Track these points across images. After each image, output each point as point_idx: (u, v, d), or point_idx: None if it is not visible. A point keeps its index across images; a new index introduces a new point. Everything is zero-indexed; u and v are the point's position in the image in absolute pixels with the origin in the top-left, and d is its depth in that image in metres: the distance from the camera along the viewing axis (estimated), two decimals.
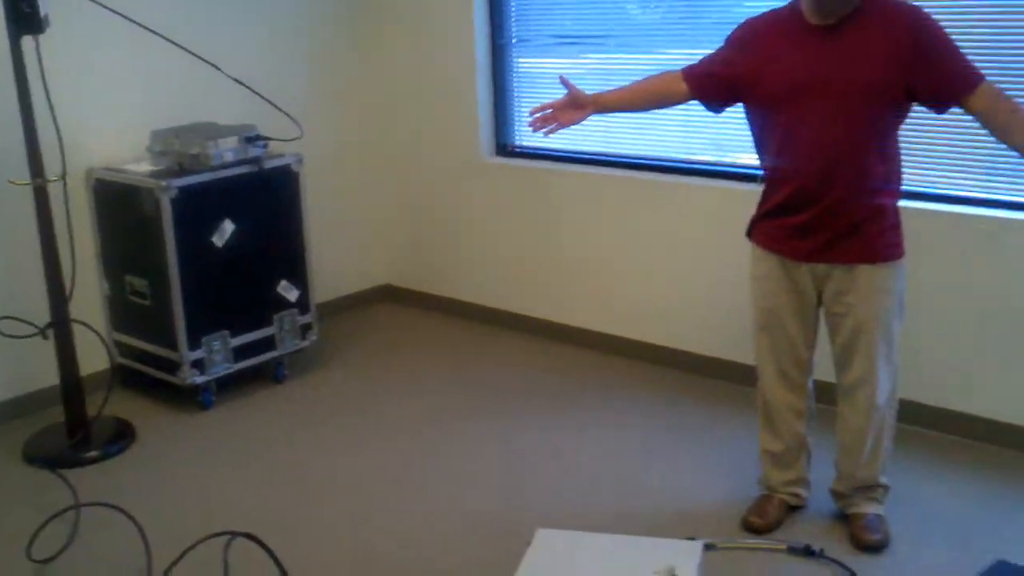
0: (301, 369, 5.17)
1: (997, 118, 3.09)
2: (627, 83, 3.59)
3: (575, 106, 3.48)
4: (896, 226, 3.31)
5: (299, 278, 5.04)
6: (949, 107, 3.22)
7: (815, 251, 3.30)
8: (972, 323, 4.09)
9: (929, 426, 4.25)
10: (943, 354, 4.18)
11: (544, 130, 3.50)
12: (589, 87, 3.52)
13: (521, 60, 5.45)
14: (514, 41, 5.44)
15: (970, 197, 4.10)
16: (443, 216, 5.86)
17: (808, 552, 3.43)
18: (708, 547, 3.42)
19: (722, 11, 4.55)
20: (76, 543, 3.61)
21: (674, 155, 4.90)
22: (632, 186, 4.97)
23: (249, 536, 3.30)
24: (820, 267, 3.33)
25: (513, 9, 5.40)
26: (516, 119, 5.55)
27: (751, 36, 3.35)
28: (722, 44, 3.43)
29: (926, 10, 3.19)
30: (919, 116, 3.44)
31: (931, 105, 3.22)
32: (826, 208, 3.23)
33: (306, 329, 5.11)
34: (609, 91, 3.57)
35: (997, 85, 3.13)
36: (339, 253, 5.88)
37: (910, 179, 4.05)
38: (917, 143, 4.09)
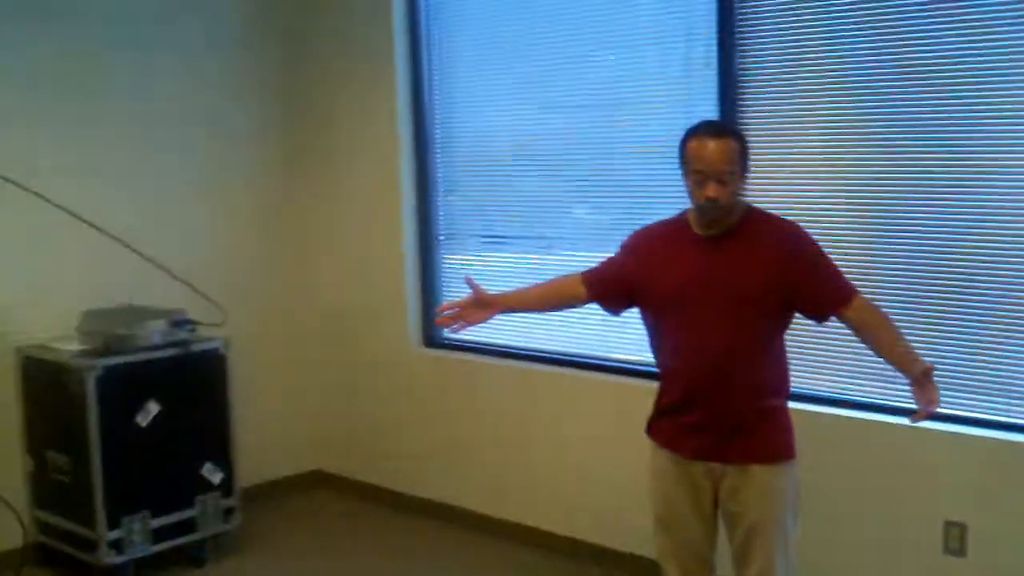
0: (223, 553, 5.16)
1: (869, 331, 3.31)
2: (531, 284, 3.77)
3: (480, 305, 3.63)
4: (787, 427, 3.42)
5: (224, 460, 5.09)
6: (827, 318, 3.39)
7: (708, 449, 3.38)
8: (866, 523, 4.17)
9: None
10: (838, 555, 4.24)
11: (451, 328, 3.64)
12: (513, 284, 3.68)
13: (448, 256, 5.66)
14: (441, 238, 5.66)
15: (863, 402, 4.23)
16: (372, 402, 5.94)
17: None
18: None
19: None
20: None
21: (594, 352, 5.03)
22: (555, 380, 5.09)
23: None
24: (715, 465, 3.40)
25: (441, 209, 5.65)
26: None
27: (643, 244, 3.54)
28: (617, 250, 3.61)
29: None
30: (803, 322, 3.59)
31: (809, 315, 3.40)
32: (715, 409, 3.34)
33: (229, 512, 5.13)
34: (512, 292, 3.77)
35: (868, 299, 3.34)
36: (268, 436, 5.92)
37: (803, 382, 4.23)
38: (810, 347, 4.26)
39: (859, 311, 3.31)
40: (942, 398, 3.31)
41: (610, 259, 3.63)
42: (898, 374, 3.35)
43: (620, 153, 4.86)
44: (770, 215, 3.45)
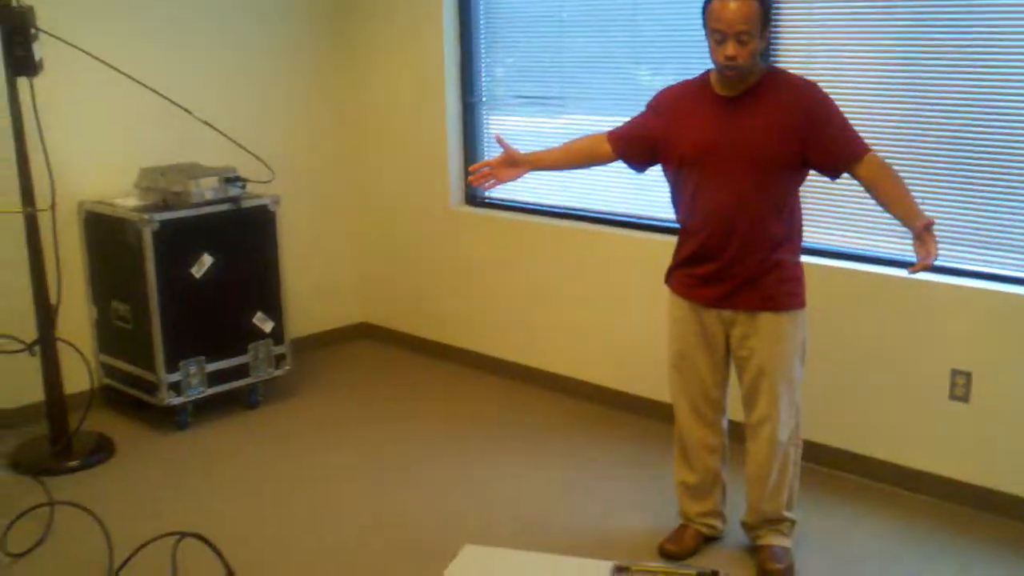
0: (274, 396, 5.51)
1: (879, 186, 3.45)
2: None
3: (511, 164, 3.83)
4: (796, 279, 3.62)
5: (274, 311, 5.38)
6: (840, 174, 3.56)
7: (720, 298, 3.62)
8: (876, 372, 4.41)
9: (850, 471, 4.54)
10: (849, 402, 4.50)
11: (483, 186, 3.85)
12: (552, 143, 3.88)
13: (492, 118, 5.83)
14: (484, 99, 5.83)
15: (879, 256, 4.42)
16: (416, 258, 6.21)
17: None
18: (620, 569, 3.71)
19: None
20: (48, 541, 3.95)
21: (630, 210, 5.22)
22: (589, 237, 5.32)
23: (197, 536, 3.63)
24: (726, 313, 3.64)
25: (483, 70, 5.79)
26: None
27: (666, 103, 3.70)
28: (642, 109, 3.79)
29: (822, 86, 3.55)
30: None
31: (823, 171, 3.56)
32: (728, 261, 3.55)
33: (280, 359, 5.45)
34: (541, 151, 3.93)
35: (881, 156, 3.50)
36: (316, 290, 6.25)
37: (819, 237, 4.45)
38: (826, 203, 4.45)
39: (870, 167, 3.46)
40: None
41: (635, 118, 3.80)
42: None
43: (682, 13, 4.86)
44: (789, 75, 3.60)
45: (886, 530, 4.08)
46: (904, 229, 3.44)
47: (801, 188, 3.63)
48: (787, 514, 3.81)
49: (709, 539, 3.97)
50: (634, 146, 3.77)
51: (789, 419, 3.69)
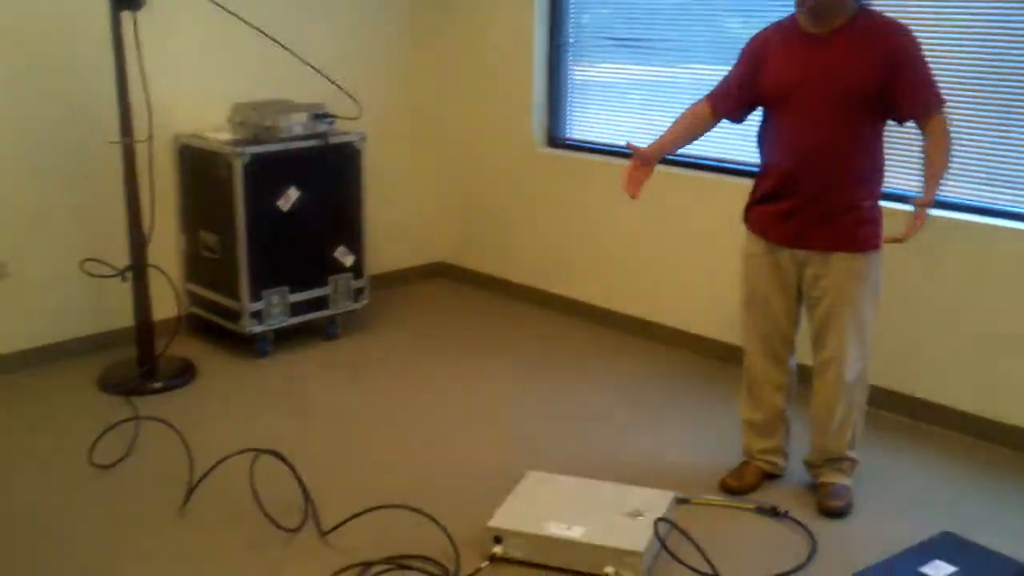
0: (352, 329, 5.65)
1: (929, 147, 3.52)
2: (669, 125, 3.96)
3: (645, 163, 3.86)
4: (872, 220, 3.63)
5: (356, 245, 5.51)
6: (909, 119, 3.57)
7: (795, 236, 3.66)
8: (944, 317, 4.43)
9: (908, 414, 4.59)
10: (938, 350, 4.51)
11: (635, 196, 3.87)
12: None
13: (576, 67, 5.89)
14: (572, 42, 5.87)
15: (960, 203, 4.43)
16: (496, 200, 6.30)
17: (774, 513, 3.75)
18: (681, 501, 3.80)
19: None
20: (132, 455, 4.13)
21: (711, 153, 5.23)
22: (671, 180, 5.27)
23: (274, 453, 3.78)
24: (800, 252, 3.68)
25: (572, 12, 5.83)
26: (568, 114, 5.97)
27: (759, 46, 3.74)
28: (737, 59, 3.82)
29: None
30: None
31: (895, 114, 3.57)
32: (805, 198, 3.59)
33: (359, 293, 5.59)
34: (659, 142, 3.92)
35: (948, 119, 3.53)
36: (397, 229, 6.37)
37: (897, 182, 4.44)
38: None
39: (936, 126, 3.51)
40: None
41: (730, 71, 3.84)
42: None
43: None
44: (881, 17, 3.60)
45: (953, 474, 4.11)
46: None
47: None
48: (849, 454, 3.86)
49: (770, 476, 4.03)
50: (733, 100, 3.82)
51: (857, 360, 3.72)
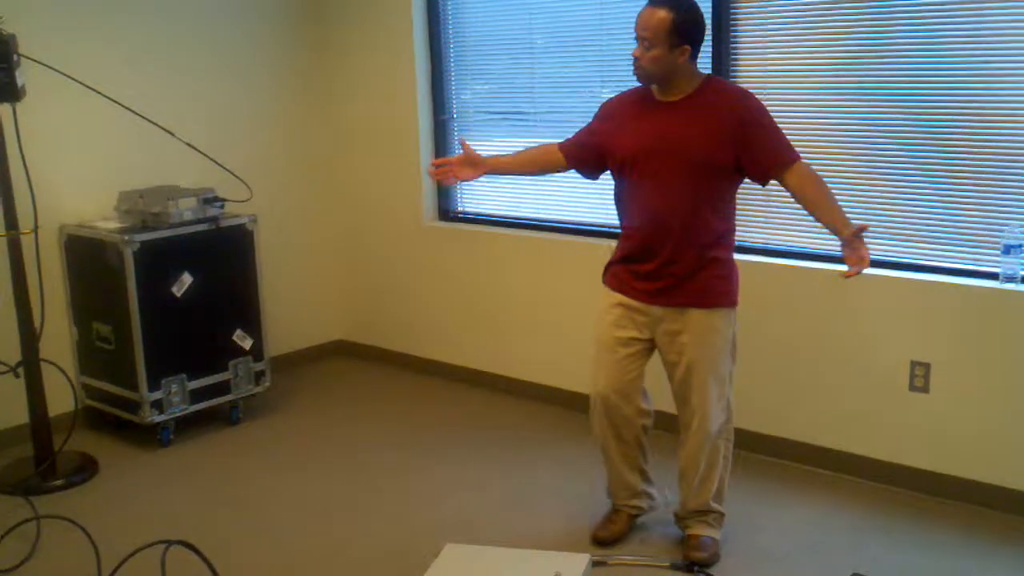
0: (255, 413, 5.60)
1: (806, 194, 3.62)
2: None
3: (471, 164, 3.98)
4: (728, 277, 3.76)
5: (253, 328, 5.48)
6: (768, 180, 3.69)
7: (654, 294, 3.75)
8: (839, 367, 4.55)
9: (815, 464, 4.69)
10: (811, 397, 4.65)
11: (443, 182, 4.01)
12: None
13: (461, 134, 5.95)
14: (455, 116, 5.97)
15: (806, 251, 4.64)
16: (393, 274, 6.32)
17: (689, 569, 3.81)
18: (597, 563, 3.83)
19: None
20: (36, 556, 4.03)
21: (597, 220, 5.36)
22: (558, 247, 5.45)
23: (184, 544, 3.70)
24: (657, 308, 3.76)
25: (454, 88, 5.95)
26: (457, 187, 6.04)
27: (613, 109, 3.88)
28: (592, 118, 3.95)
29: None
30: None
31: (753, 177, 3.70)
32: (664, 260, 3.70)
33: (260, 376, 5.55)
34: (500, 156, 4.08)
35: (810, 166, 3.66)
36: (294, 308, 6.34)
37: (778, 238, 4.61)
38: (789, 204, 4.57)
39: (799, 175, 3.61)
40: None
41: (585, 127, 3.97)
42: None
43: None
44: (725, 83, 3.82)
45: (853, 517, 4.22)
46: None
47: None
48: (715, 506, 3.95)
49: (635, 517, 4.14)
50: (584, 153, 3.94)
51: (719, 413, 3.83)
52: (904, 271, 4.34)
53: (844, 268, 3.49)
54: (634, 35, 3.60)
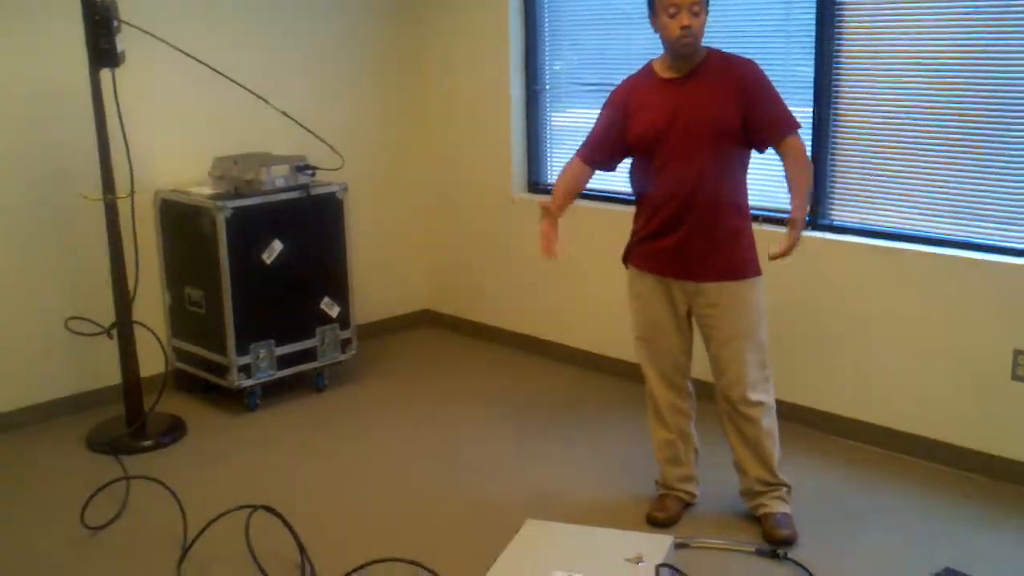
0: (340, 380, 5.65)
1: (789, 167, 3.69)
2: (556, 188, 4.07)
3: (554, 224, 3.96)
4: (752, 247, 3.80)
5: (341, 296, 5.51)
6: (767, 146, 3.73)
7: (685, 270, 3.78)
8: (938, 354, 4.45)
9: (914, 454, 4.58)
10: (911, 380, 4.54)
11: (554, 256, 3.97)
12: None
13: (552, 112, 5.96)
14: (547, 87, 5.93)
15: (944, 238, 4.46)
16: (480, 246, 6.32)
17: (774, 555, 3.75)
18: (680, 545, 3.79)
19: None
20: (125, 515, 4.11)
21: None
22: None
23: (268, 509, 3.75)
24: (690, 284, 3.80)
25: (547, 59, 5.90)
26: (547, 158, 6.01)
27: (623, 95, 3.88)
28: (601, 112, 3.95)
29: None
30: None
31: (754, 142, 3.74)
32: (690, 233, 3.72)
33: (346, 343, 5.58)
34: (557, 201, 4.00)
35: (802, 141, 3.72)
36: (381, 277, 6.37)
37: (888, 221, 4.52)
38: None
39: (792, 147, 3.68)
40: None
41: (595, 126, 3.97)
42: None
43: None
44: (727, 54, 3.79)
45: (949, 508, 4.11)
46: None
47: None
48: (780, 476, 3.94)
49: (687, 505, 4.12)
50: (604, 152, 3.96)
51: (761, 382, 3.84)
52: (1009, 256, 4.21)
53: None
54: (664, 8, 3.59)
